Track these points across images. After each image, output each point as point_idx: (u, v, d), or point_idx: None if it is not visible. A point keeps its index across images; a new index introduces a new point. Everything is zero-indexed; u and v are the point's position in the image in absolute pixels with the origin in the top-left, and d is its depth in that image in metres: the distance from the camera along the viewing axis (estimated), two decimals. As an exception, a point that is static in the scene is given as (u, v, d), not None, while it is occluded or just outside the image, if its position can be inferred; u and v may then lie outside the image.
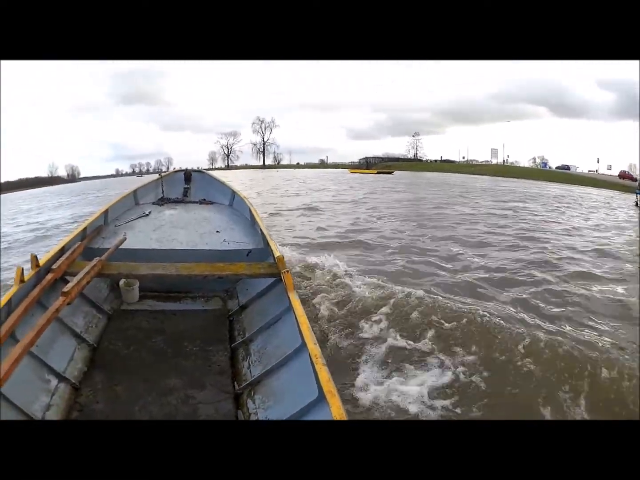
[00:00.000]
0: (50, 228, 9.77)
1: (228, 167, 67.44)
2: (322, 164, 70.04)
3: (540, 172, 43.63)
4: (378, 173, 42.23)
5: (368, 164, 57.23)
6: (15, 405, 1.84)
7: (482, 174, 43.87)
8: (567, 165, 51.73)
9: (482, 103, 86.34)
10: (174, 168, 7.96)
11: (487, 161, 60.98)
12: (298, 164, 71.07)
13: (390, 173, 42.46)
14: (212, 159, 70.97)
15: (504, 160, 58.75)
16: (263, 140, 69.79)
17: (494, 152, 60.57)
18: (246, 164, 69.25)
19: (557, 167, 51.71)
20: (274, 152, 71.45)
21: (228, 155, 70.15)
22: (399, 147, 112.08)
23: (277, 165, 69.10)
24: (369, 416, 2.34)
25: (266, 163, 69.57)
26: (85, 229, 3.27)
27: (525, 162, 60.91)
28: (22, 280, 2.28)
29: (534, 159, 61.19)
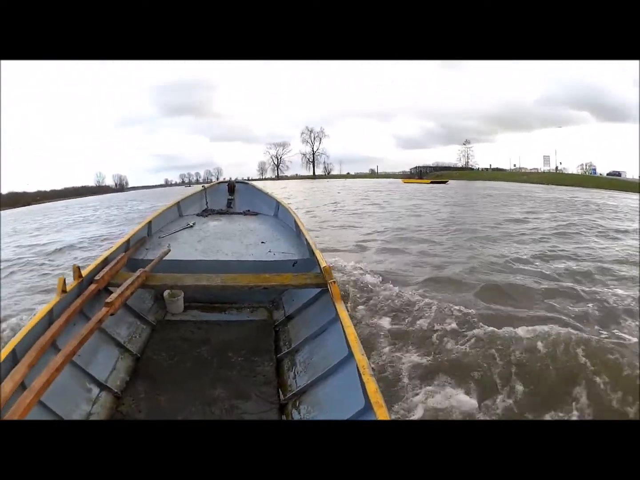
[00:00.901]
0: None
1: (278, 178, 66.73)
2: (373, 174, 68.22)
3: (595, 180, 38.55)
4: (432, 183, 40.31)
5: (421, 174, 54.23)
6: (55, 414, 1.84)
7: (537, 183, 40.18)
8: (618, 172, 46.69)
9: (528, 108, 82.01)
10: (224, 178, 9.59)
11: (535, 169, 57.55)
12: (348, 173, 69.70)
13: (444, 182, 40.43)
14: (262, 170, 70.95)
15: (556, 168, 54.74)
16: (312, 150, 69.04)
17: (546, 159, 56.27)
18: (296, 174, 68.39)
19: (607, 174, 46.73)
20: (324, 162, 70.42)
21: (278, 166, 69.71)
22: (448, 155, 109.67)
23: (327, 176, 67.77)
24: None
25: (316, 173, 68.26)
26: (128, 240, 3.27)
27: (573, 169, 55.59)
28: (64, 291, 2.29)
29: (582, 165, 56.30)
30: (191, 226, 4.01)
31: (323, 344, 2.34)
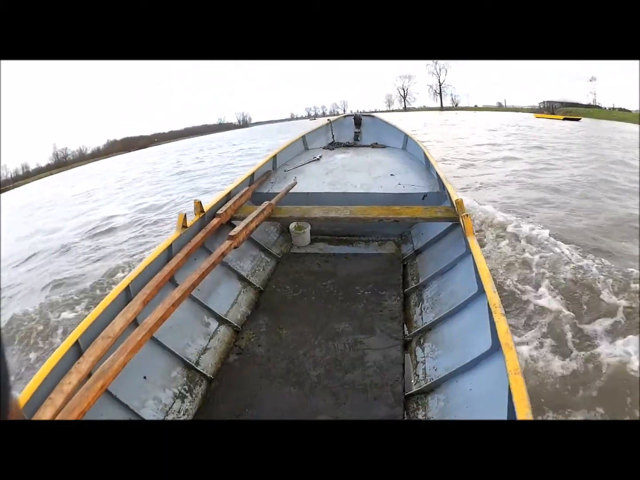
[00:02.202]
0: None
1: (405, 109, 65.33)
2: (501, 107, 64.67)
3: None
4: (565, 119, 36.15)
5: (552, 109, 48.43)
6: (168, 349, 1.84)
7: None
8: None
9: None
10: (351, 111, 9.04)
11: None
12: (476, 106, 66.43)
13: (577, 120, 35.89)
14: (389, 102, 69.02)
15: None
16: (439, 82, 66.01)
17: None
18: (424, 106, 66.36)
19: None
20: (451, 94, 67.30)
21: (405, 97, 67.74)
22: (571, 92, 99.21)
23: (455, 108, 65.15)
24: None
25: (444, 105, 66.15)
26: (252, 174, 3.25)
27: None
28: (184, 226, 2.26)
29: None
30: (318, 159, 3.96)
31: (452, 280, 2.26)
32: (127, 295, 1.80)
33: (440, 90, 66.06)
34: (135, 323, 1.72)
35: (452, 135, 17.37)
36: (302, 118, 69.91)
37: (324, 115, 65.51)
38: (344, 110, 65.29)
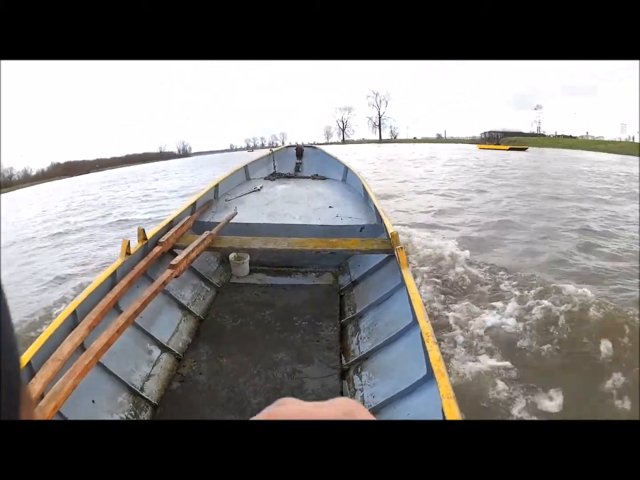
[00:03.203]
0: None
1: (344, 142, 65.36)
2: (440, 139, 65.79)
3: None
4: (510, 149, 36.67)
5: (496, 139, 47.85)
6: (114, 375, 1.88)
7: (619, 153, 31.80)
8: None
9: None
10: (289, 143, 8.48)
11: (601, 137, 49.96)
12: (415, 138, 67.31)
13: (524, 149, 36.48)
14: (328, 134, 69.56)
15: (632, 137, 46.75)
16: (379, 114, 66.81)
17: (624, 127, 48.93)
18: (363, 138, 66.93)
19: None
20: (391, 126, 68.17)
21: (343, 130, 68.03)
22: (515, 121, 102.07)
23: (394, 140, 65.81)
24: (473, 398, 2.38)
25: (382, 137, 66.50)
26: (195, 203, 3.28)
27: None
28: (128, 253, 2.29)
29: None
30: (258, 190, 3.97)
31: (388, 310, 2.32)
32: (74, 319, 1.82)
33: (380, 123, 66.63)
34: (82, 347, 1.71)
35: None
36: (241, 149, 68.73)
37: (262, 147, 64.38)
38: (283, 142, 64.32)
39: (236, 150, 69.46)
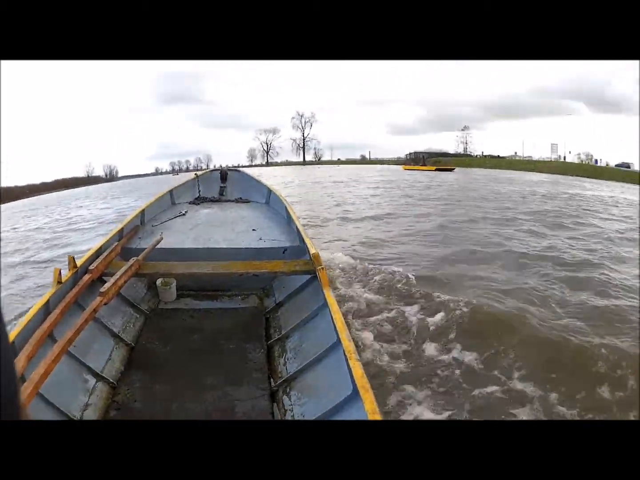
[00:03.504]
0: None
1: (267, 164, 66.24)
2: (365, 160, 68.46)
3: (610, 172, 36.29)
4: (437, 170, 37.09)
5: (423, 160, 48.74)
6: (53, 405, 1.85)
7: (546, 172, 36.97)
8: (627, 163, 43.88)
9: (522, 98, 79.37)
10: (214, 166, 9.48)
11: (548, 157, 52.72)
12: (339, 159, 69.63)
13: (451, 170, 37.16)
14: (252, 156, 69.52)
15: (564, 157, 51.13)
16: (303, 136, 67.93)
17: (554, 147, 52.56)
18: (287, 160, 67.88)
19: (616, 165, 44.66)
20: (315, 148, 69.44)
21: (267, 152, 68.70)
22: (440, 142, 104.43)
23: (318, 162, 67.72)
24: (399, 416, 2.39)
25: (306, 159, 68.15)
26: (122, 229, 3.32)
27: (570, 158, 51.49)
28: (59, 282, 2.31)
29: (580, 154, 52.40)
30: (183, 214, 4.05)
31: (312, 331, 2.37)
32: (13, 349, 1.76)
33: (304, 145, 68.50)
34: (22, 379, 1.67)
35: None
36: (166, 172, 67.64)
37: (187, 170, 64.09)
38: (207, 165, 64.38)
39: (162, 173, 68.20)
